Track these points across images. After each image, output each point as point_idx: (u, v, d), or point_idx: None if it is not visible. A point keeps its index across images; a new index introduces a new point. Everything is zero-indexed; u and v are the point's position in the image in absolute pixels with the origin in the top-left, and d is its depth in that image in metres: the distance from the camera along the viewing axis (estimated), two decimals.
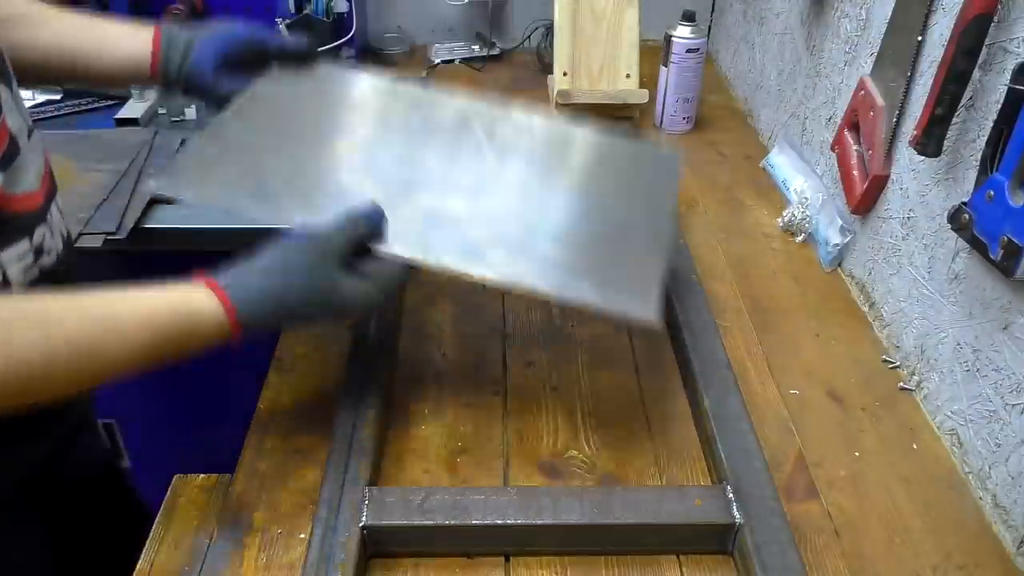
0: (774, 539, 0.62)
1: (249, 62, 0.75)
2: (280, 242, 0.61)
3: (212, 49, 0.72)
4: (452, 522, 0.63)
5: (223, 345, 0.57)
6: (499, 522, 0.64)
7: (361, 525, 0.63)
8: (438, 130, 0.79)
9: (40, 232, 0.63)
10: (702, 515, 0.65)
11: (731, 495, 0.66)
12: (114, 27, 0.73)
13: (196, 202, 0.77)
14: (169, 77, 0.72)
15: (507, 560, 0.65)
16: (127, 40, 0.72)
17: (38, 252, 0.63)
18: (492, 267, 0.65)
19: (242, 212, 0.66)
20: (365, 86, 0.85)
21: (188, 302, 0.56)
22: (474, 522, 0.64)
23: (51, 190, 0.67)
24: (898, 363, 0.85)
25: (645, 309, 0.64)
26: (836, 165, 0.98)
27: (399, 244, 0.64)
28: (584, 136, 0.84)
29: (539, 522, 0.64)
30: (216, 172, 0.69)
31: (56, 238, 0.66)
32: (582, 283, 0.66)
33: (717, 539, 0.65)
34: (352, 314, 0.62)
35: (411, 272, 0.65)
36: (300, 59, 0.77)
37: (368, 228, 0.63)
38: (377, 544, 0.64)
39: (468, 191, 0.73)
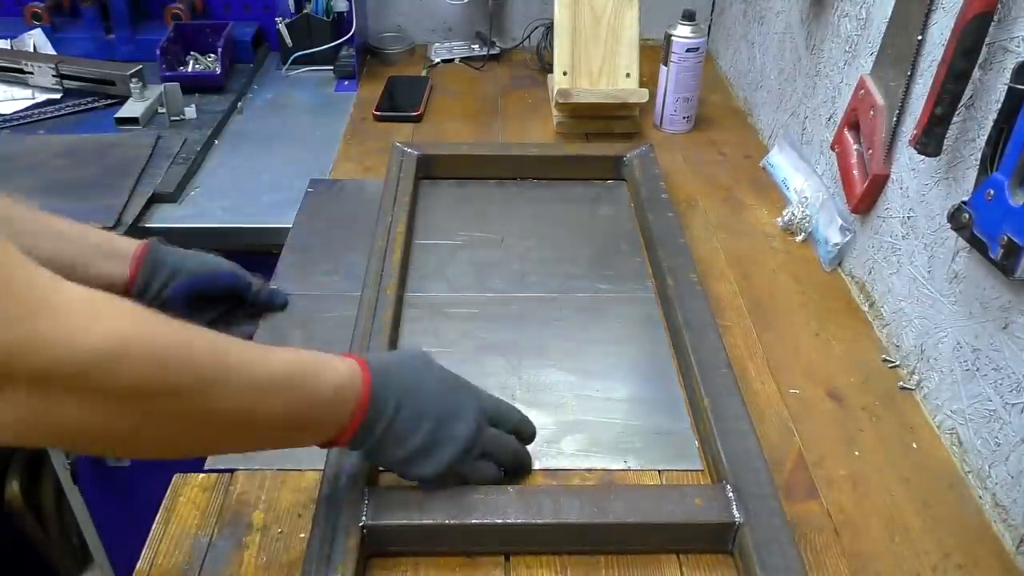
0: (774, 538, 0.62)
1: (224, 300, 0.77)
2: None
3: (188, 287, 0.73)
4: (452, 521, 0.63)
5: (349, 412, 0.59)
6: (499, 521, 0.64)
7: (361, 524, 0.63)
8: None
9: None
10: (702, 514, 0.65)
11: (731, 494, 0.66)
12: (102, 242, 0.71)
13: None
14: (143, 300, 0.72)
15: (507, 560, 0.65)
16: (107, 262, 0.70)
17: None
18: None
19: None
20: None
21: (327, 356, 0.60)
22: (474, 521, 0.64)
23: None
24: (898, 362, 0.85)
25: None
26: (836, 164, 0.98)
27: None
28: None
29: (539, 521, 0.64)
30: None
31: None
32: None
33: (717, 538, 0.65)
34: (467, 423, 0.64)
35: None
36: (271, 310, 0.80)
37: None
38: (377, 544, 0.64)
39: None
